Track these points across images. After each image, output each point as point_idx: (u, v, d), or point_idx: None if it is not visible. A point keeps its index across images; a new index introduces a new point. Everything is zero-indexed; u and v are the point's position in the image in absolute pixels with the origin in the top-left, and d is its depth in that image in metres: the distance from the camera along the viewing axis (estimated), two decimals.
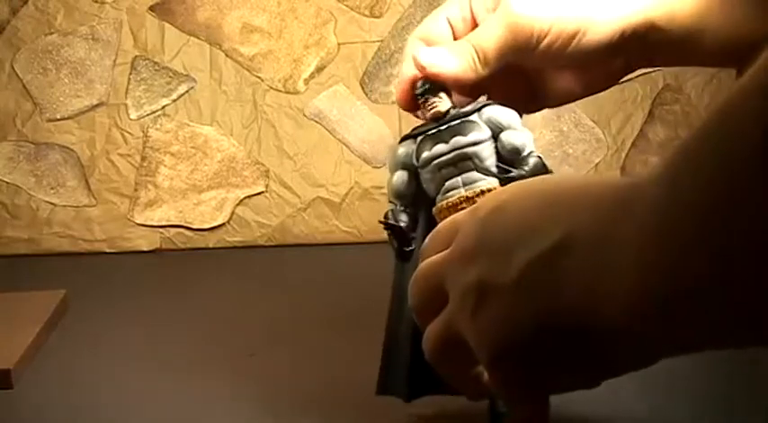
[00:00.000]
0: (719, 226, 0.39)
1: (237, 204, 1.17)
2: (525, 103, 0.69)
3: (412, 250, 0.65)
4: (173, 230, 1.18)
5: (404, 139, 0.66)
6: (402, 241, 0.65)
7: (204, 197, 1.17)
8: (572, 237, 0.47)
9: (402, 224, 0.65)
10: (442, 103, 0.64)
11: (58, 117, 1.16)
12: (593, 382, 0.52)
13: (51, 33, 1.15)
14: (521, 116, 0.65)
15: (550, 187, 0.52)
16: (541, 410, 0.54)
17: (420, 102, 0.65)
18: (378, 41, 1.15)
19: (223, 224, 1.17)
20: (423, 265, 0.57)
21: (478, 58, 0.64)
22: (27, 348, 0.85)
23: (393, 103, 1.14)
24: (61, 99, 1.16)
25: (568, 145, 1.15)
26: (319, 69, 1.15)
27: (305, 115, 1.16)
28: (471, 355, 0.53)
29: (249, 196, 1.17)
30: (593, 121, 1.15)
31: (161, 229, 1.18)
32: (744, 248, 0.39)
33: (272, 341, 0.88)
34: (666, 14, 0.65)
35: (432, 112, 0.64)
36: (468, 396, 0.59)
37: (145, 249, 1.18)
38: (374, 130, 1.16)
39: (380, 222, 0.66)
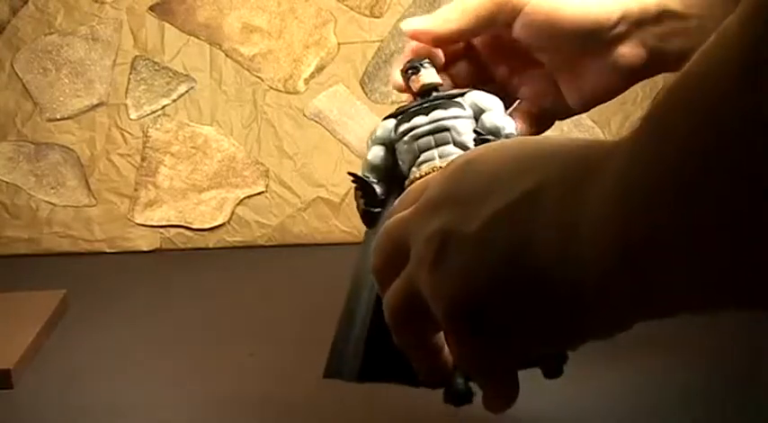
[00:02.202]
0: (692, 173, 0.38)
1: (237, 204, 1.17)
2: (554, 106, 0.69)
3: (378, 213, 0.63)
4: (173, 230, 1.18)
5: (385, 118, 0.65)
6: (370, 199, 0.63)
7: (204, 197, 1.17)
8: (541, 189, 0.46)
9: (369, 178, 0.63)
10: (428, 74, 0.64)
11: (58, 117, 1.16)
12: (558, 348, 0.49)
13: (51, 33, 1.15)
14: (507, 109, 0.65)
15: (525, 143, 0.52)
16: (507, 387, 0.51)
17: (407, 78, 0.65)
18: (378, 41, 1.15)
19: (223, 224, 1.17)
20: (388, 222, 0.54)
21: (456, 11, 0.65)
22: (27, 348, 0.85)
23: (393, 103, 1.14)
24: (61, 99, 1.16)
25: None
26: (319, 69, 1.15)
27: (305, 115, 1.16)
28: (432, 317, 0.50)
29: (249, 196, 1.17)
30: (593, 121, 1.15)
31: (161, 229, 1.18)
32: (716, 198, 0.38)
33: (272, 341, 0.88)
34: None
35: (418, 86, 0.64)
36: (423, 376, 0.55)
37: (145, 249, 1.18)
38: None
39: (349, 173, 0.64)
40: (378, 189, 0.64)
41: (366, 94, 1.16)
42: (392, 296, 0.52)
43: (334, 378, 0.64)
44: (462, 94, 0.64)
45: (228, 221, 1.17)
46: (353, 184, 0.64)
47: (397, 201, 0.57)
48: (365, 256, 0.63)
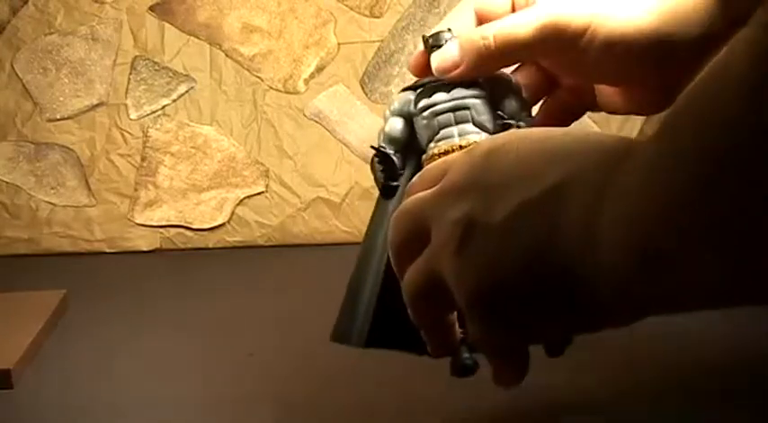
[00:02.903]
0: (707, 180, 0.40)
1: (237, 204, 1.17)
2: (582, 105, 0.68)
3: (397, 186, 0.63)
4: (173, 230, 1.18)
5: (403, 90, 0.65)
6: (390, 173, 0.64)
7: (204, 197, 1.17)
8: (566, 184, 0.47)
9: (390, 152, 0.63)
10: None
11: (58, 117, 1.16)
12: (570, 334, 0.51)
13: (51, 33, 1.15)
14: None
15: (550, 135, 0.52)
16: (519, 364, 0.53)
17: (429, 52, 0.64)
18: (378, 41, 1.15)
19: (223, 224, 1.17)
20: (407, 200, 0.55)
21: (492, 46, 0.62)
22: (27, 348, 0.85)
23: None
24: (61, 99, 1.16)
25: None
26: (319, 69, 1.15)
27: (305, 115, 1.16)
28: (450, 299, 0.51)
29: (249, 196, 1.17)
30: (594, 121, 1.15)
31: (161, 229, 1.18)
32: (735, 201, 0.39)
33: (272, 341, 0.88)
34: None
35: None
36: (432, 349, 0.56)
37: (145, 249, 1.18)
38: (374, 130, 1.16)
39: (372, 147, 0.64)
40: (397, 162, 0.64)
41: (366, 94, 1.16)
42: (412, 276, 0.53)
43: (341, 342, 0.65)
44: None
45: (228, 221, 1.17)
46: (374, 156, 0.64)
47: (415, 177, 0.57)
48: (377, 225, 0.64)
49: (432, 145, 0.63)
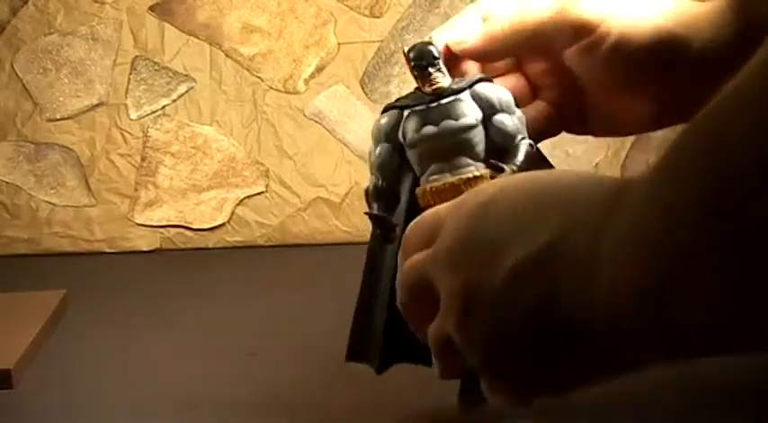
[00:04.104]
0: (710, 220, 0.38)
1: (237, 204, 1.17)
2: (572, 122, 0.67)
3: (394, 234, 0.62)
4: (173, 230, 1.18)
5: (387, 108, 0.63)
6: (386, 230, 0.63)
7: (204, 197, 1.17)
8: (562, 239, 0.46)
9: (379, 212, 0.63)
10: (444, 78, 0.62)
11: (58, 117, 1.16)
12: (579, 386, 0.50)
13: (51, 33, 1.15)
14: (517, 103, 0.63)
15: (538, 186, 0.51)
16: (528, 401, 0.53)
17: (416, 74, 0.62)
18: (378, 41, 1.15)
19: (223, 224, 1.17)
20: (408, 264, 0.55)
21: (505, 28, 0.62)
22: (27, 348, 0.85)
23: None
24: (61, 99, 1.16)
25: (569, 145, 1.15)
26: (319, 69, 1.15)
27: (305, 115, 1.16)
28: None
29: (249, 196, 1.17)
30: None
31: (161, 229, 1.18)
32: (736, 244, 0.38)
33: (272, 341, 0.88)
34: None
35: (434, 87, 0.61)
36: (442, 375, 0.56)
37: (145, 249, 1.18)
38: None
39: (366, 214, 0.63)
40: (393, 220, 0.63)
41: (366, 94, 1.16)
42: (433, 333, 0.53)
43: (357, 361, 0.66)
44: (470, 86, 0.62)
45: (228, 221, 1.17)
46: (368, 215, 0.63)
47: (409, 229, 0.57)
48: (377, 257, 0.64)
49: (424, 178, 0.62)
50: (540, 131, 0.65)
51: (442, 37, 0.64)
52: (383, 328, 0.63)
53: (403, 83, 1.14)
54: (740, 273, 0.38)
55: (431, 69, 0.61)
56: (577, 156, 1.15)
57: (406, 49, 0.62)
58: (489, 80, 0.63)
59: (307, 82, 1.16)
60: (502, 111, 0.61)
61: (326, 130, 1.16)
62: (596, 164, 1.16)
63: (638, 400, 0.69)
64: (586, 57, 0.62)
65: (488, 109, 0.61)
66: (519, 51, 0.64)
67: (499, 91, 0.62)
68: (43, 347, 0.88)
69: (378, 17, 1.14)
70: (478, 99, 0.61)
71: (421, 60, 0.61)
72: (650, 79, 0.63)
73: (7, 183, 1.17)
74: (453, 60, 0.64)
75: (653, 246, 0.41)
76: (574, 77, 0.65)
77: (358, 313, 0.66)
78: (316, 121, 1.16)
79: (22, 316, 0.92)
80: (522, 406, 0.52)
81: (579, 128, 0.68)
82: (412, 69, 0.62)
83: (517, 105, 0.63)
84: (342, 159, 1.16)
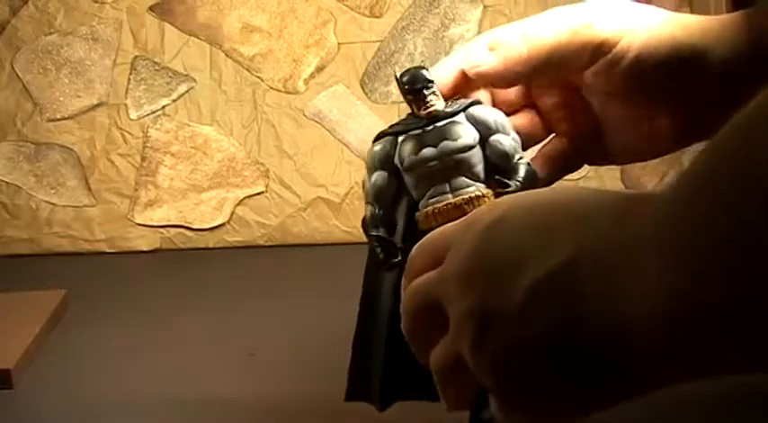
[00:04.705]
0: (741, 243, 0.37)
1: (237, 204, 1.17)
2: (591, 153, 0.65)
3: (399, 260, 0.61)
4: (173, 230, 1.18)
5: (380, 136, 0.63)
6: (390, 252, 0.61)
7: (204, 197, 1.17)
8: (578, 259, 0.45)
9: (383, 234, 0.61)
10: (439, 101, 0.61)
11: (58, 117, 1.16)
12: (599, 408, 0.49)
13: (51, 33, 1.15)
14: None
15: (550, 203, 0.50)
16: None
17: (410, 98, 0.61)
18: (378, 41, 1.15)
19: (223, 224, 1.17)
20: (413, 286, 0.53)
21: (522, 49, 0.60)
22: (27, 348, 0.85)
23: (393, 103, 1.14)
24: (61, 99, 1.16)
25: None
26: (319, 69, 1.15)
27: (305, 115, 1.16)
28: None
29: (249, 196, 1.17)
30: None
31: (161, 229, 1.18)
32: (763, 254, 0.37)
33: (272, 341, 0.88)
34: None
35: (429, 111, 0.61)
36: (450, 406, 0.54)
37: (145, 249, 1.18)
38: (374, 130, 1.15)
39: (371, 236, 0.62)
40: (383, 224, 0.61)
41: (366, 94, 1.16)
42: (438, 359, 0.52)
43: (357, 401, 0.64)
44: (464, 109, 0.61)
45: (228, 221, 1.17)
46: (369, 237, 0.62)
47: (414, 251, 0.55)
48: (374, 287, 0.63)
49: (424, 202, 0.61)
50: (560, 167, 0.65)
51: (453, 62, 0.62)
52: (383, 363, 0.62)
53: None
54: (762, 291, 0.37)
55: (425, 91, 0.61)
56: None
57: (398, 74, 0.61)
58: (481, 103, 0.62)
59: (307, 82, 1.16)
60: (498, 131, 0.61)
61: (326, 130, 1.16)
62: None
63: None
64: (606, 75, 0.61)
65: (485, 130, 0.61)
66: (536, 75, 0.63)
67: (494, 113, 0.62)
68: (43, 347, 0.88)
69: (378, 17, 1.14)
70: (474, 121, 0.61)
71: (415, 84, 0.61)
72: (672, 94, 0.61)
73: (7, 183, 1.17)
74: (464, 88, 0.63)
75: (677, 259, 0.40)
76: (590, 106, 0.64)
77: (356, 351, 0.64)
78: (316, 121, 1.16)
79: (22, 316, 0.92)
80: None
81: (599, 158, 0.67)
82: (406, 94, 0.61)
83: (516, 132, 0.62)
84: (342, 159, 1.16)
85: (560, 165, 0.65)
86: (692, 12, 1.08)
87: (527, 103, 0.65)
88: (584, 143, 0.65)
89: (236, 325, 0.92)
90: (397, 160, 0.61)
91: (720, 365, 0.42)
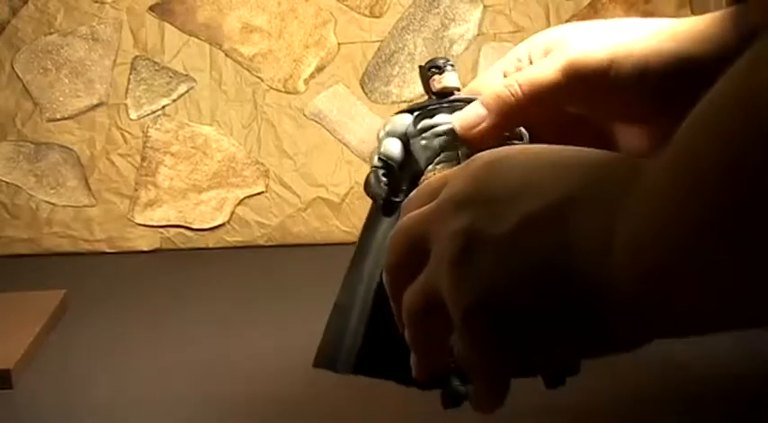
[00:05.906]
0: (727, 202, 0.38)
1: (237, 204, 1.17)
2: None
3: (399, 202, 0.61)
4: (173, 230, 1.18)
5: (399, 113, 0.64)
6: (394, 186, 0.63)
7: (204, 197, 1.17)
8: (576, 198, 0.46)
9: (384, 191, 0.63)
10: (451, 77, 0.63)
11: (58, 117, 1.16)
12: (566, 360, 0.49)
13: (51, 33, 1.15)
14: None
15: (552, 149, 0.50)
16: (502, 388, 0.50)
17: (428, 76, 0.64)
18: (378, 41, 1.15)
19: (223, 224, 1.17)
20: (404, 219, 0.53)
21: (518, 92, 0.61)
22: (27, 348, 0.85)
23: (393, 102, 1.14)
24: (61, 99, 1.16)
25: None
26: (319, 69, 1.15)
27: (305, 115, 1.16)
28: (448, 321, 0.49)
29: (249, 196, 1.17)
30: None
31: (161, 229, 1.18)
32: (752, 226, 0.38)
33: (272, 341, 0.88)
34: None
35: (440, 87, 0.63)
36: (421, 375, 0.54)
37: (145, 249, 1.18)
38: (374, 130, 1.16)
39: (373, 165, 0.63)
40: (386, 183, 0.63)
41: (366, 94, 1.16)
42: (411, 295, 0.51)
43: (325, 368, 0.63)
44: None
45: (228, 221, 1.17)
46: (373, 171, 0.63)
47: (411, 194, 0.56)
48: (366, 245, 0.63)
49: (431, 167, 0.62)
50: None
51: (456, 121, 0.63)
52: (363, 333, 0.62)
53: (403, 83, 1.14)
54: (756, 243, 0.38)
55: (449, 67, 0.64)
56: None
57: (422, 64, 0.64)
58: None
59: (307, 82, 1.16)
60: None
61: (326, 130, 1.16)
62: None
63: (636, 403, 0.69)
64: (605, 99, 0.62)
65: None
66: (535, 119, 0.63)
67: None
68: (43, 347, 0.88)
69: (378, 17, 1.14)
70: None
71: (438, 61, 0.64)
72: (667, 103, 0.62)
73: (7, 183, 1.17)
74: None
75: (671, 219, 0.41)
76: (594, 136, 0.65)
77: (333, 318, 0.64)
78: (316, 121, 1.16)
79: (22, 316, 0.92)
80: (500, 389, 0.50)
81: None
82: (427, 70, 0.64)
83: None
84: (342, 159, 1.16)
85: None
86: (692, 12, 1.08)
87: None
88: None
89: (236, 325, 0.92)
90: (409, 129, 0.63)
91: (705, 321, 0.43)
